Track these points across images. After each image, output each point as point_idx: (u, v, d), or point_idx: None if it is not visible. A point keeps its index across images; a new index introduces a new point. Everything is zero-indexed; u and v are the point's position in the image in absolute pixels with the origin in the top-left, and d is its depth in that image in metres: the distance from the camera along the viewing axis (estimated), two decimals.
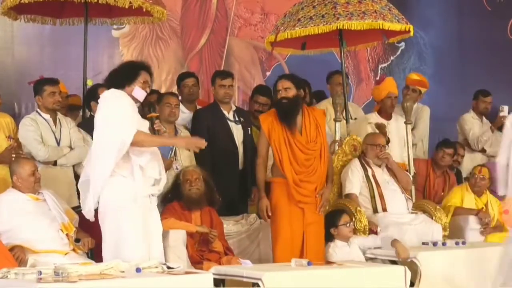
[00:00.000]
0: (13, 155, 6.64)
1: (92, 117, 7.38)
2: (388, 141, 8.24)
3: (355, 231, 7.28)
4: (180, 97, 8.06)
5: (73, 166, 7.23)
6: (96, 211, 5.81)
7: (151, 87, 6.31)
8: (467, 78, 11.45)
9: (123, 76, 5.86)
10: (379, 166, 7.86)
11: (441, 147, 9.01)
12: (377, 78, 10.24)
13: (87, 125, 7.33)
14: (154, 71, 6.12)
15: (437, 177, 9.08)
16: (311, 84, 8.61)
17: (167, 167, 7.10)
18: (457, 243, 7.33)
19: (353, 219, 7.32)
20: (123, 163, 5.68)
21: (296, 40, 8.07)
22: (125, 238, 5.65)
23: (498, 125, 9.68)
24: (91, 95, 7.49)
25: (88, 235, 6.31)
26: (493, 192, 8.92)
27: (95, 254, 6.30)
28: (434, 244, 7.23)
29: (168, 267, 5.51)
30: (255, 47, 10.66)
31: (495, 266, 7.06)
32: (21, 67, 9.13)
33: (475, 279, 6.99)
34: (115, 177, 5.69)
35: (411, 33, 8.06)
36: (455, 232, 7.99)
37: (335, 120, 8.06)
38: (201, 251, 6.79)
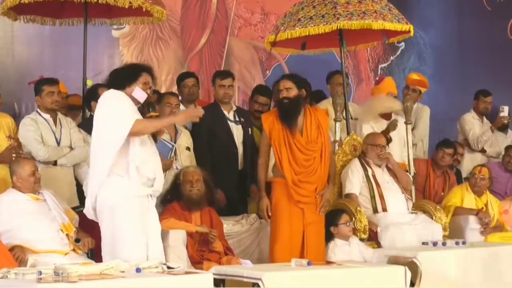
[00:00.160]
0: (13, 155, 6.64)
1: (92, 117, 7.39)
2: (390, 140, 8.24)
3: (355, 231, 7.28)
4: (180, 97, 8.06)
5: (73, 166, 7.23)
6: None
7: (153, 89, 6.30)
8: (467, 78, 11.46)
9: (124, 76, 5.86)
10: (379, 166, 7.86)
11: (441, 147, 9.01)
12: (377, 78, 10.23)
13: (87, 125, 7.33)
14: (154, 71, 6.11)
15: (437, 177, 9.08)
16: (311, 84, 8.61)
17: (167, 167, 7.12)
18: (457, 243, 7.32)
19: (353, 219, 7.32)
20: (120, 162, 5.68)
21: (296, 40, 8.07)
22: (122, 237, 5.65)
23: (498, 125, 9.69)
24: (92, 95, 7.49)
25: (88, 235, 6.31)
26: (493, 192, 8.94)
27: (95, 254, 6.29)
28: (434, 244, 7.23)
29: (168, 267, 5.51)
30: (255, 47, 10.66)
31: (495, 266, 7.11)
32: (21, 67, 9.14)
33: (475, 279, 6.99)
34: (112, 177, 5.69)
35: (411, 33, 8.05)
36: (455, 232, 7.99)
37: (335, 120, 8.06)
38: (201, 251, 6.79)
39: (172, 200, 6.91)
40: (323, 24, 7.68)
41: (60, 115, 7.26)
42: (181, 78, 8.54)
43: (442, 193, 8.94)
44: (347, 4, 7.77)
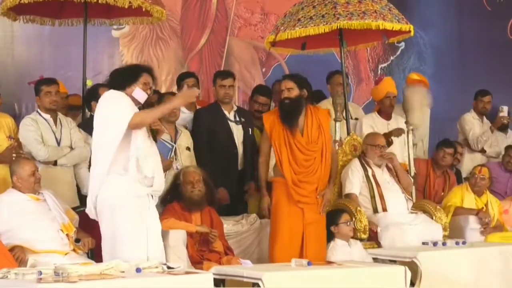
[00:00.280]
0: (14, 155, 6.64)
1: (92, 117, 7.39)
2: (390, 143, 8.26)
3: (355, 231, 7.28)
4: None
5: (74, 166, 7.23)
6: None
7: (153, 89, 6.30)
8: (467, 78, 11.46)
9: (124, 77, 5.86)
10: (379, 166, 7.87)
11: (442, 147, 9.01)
12: (376, 79, 10.24)
13: (87, 125, 7.33)
14: (154, 72, 6.11)
15: (437, 177, 9.08)
16: (311, 84, 8.61)
17: (167, 167, 7.12)
18: (457, 243, 7.32)
19: (353, 219, 7.33)
20: (120, 160, 5.67)
21: (296, 40, 8.07)
22: (122, 237, 5.65)
23: (497, 125, 9.69)
24: (92, 95, 7.49)
25: (88, 235, 6.31)
26: (493, 192, 8.94)
27: (95, 254, 6.29)
28: (434, 244, 7.23)
29: (168, 267, 5.51)
30: (255, 47, 10.66)
31: (495, 266, 7.11)
32: (21, 67, 9.14)
33: (475, 279, 6.99)
34: (112, 175, 5.69)
35: (412, 33, 8.05)
36: (455, 232, 7.99)
37: (335, 120, 8.05)
38: (201, 251, 6.79)
39: (172, 200, 6.90)
40: (323, 24, 7.68)
41: (60, 115, 7.27)
42: (181, 78, 8.54)
43: (442, 193, 8.94)
44: (347, 4, 7.77)
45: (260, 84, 9.80)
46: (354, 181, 7.74)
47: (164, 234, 6.07)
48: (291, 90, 7.09)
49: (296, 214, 7.02)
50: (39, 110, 7.17)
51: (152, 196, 5.87)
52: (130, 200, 5.68)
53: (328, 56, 9.32)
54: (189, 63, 10.22)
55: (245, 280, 5.84)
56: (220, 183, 7.49)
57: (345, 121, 8.26)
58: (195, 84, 8.41)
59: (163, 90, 9.25)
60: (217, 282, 5.96)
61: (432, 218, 7.82)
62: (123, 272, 5.31)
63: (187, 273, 5.57)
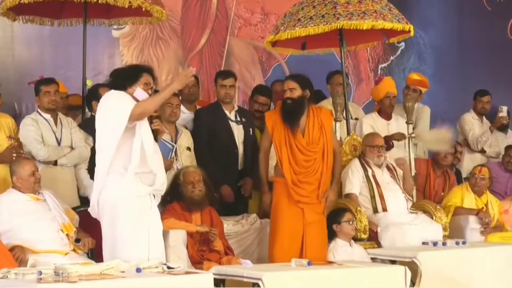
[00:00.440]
0: (14, 155, 6.64)
1: (92, 117, 7.39)
2: (391, 146, 8.27)
3: (356, 231, 7.28)
4: (180, 97, 8.05)
5: (74, 166, 7.23)
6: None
7: (154, 89, 6.29)
8: (467, 78, 11.45)
9: (124, 77, 5.85)
10: (379, 166, 7.87)
11: None
12: (376, 79, 10.24)
13: (87, 125, 7.33)
14: (154, 72, 6.10)
15: (437, 177, 9.08)
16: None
17: (168, 168, 7.11)
18: (457, 243, 7.32)
19: (353, 219, 7.33)
20: (121, 159, 5.67)
21: (296, 40, 8.07)
22: (122, 237, 5.65)
23: (497, 126, 9.69)
24: (93, 95, 7.50)
25: (88, 235, 6.31)
26: (493, 192, 8.94)
27: (96, 254, 6.30)
28: (434, 244, 7.23)
29: (168, 267, 5.50)
30: (255, 47, 10.66)
31: (495, 266, 7.10)
32: (22, 67, 9.14)
33: (475, 279, 6.99)
34: (113, 175, 5.68)
35: (412, 33, 8.05)
36: (455, 232, 7.99)
37: (335, 120, 8.05)
38: (201, 251, 6.79)
39: (172, 201, 6.90)
40: (323, 24, 7.68)
41: (61, 115, 7.27)
42: None
43: (442, 193, 8.94)
44: (347, 4, 7.77)
45: (260, 84, 9.80)
46: (354, 181, 7.74)
47: (164, 234, 6.07)
48: (293, 90, 7.10)
49: (296, 214, 7.02)
50: (39, 110, 7.18)
51: (154, 196, 5.86)
52: (131, 200, 5.67)
53: (328, 56, 9.32)
54: (189, 63, 10.22)
55: (245, 280, 5.85)
56: (220, 182, 7.49)
57: (345, 121, 8.26)
58: (194, 84, 8.42)
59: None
60: (217, 282, 5.96)
61: (432, 218, 7.82)
62: (123, 272, 5.31)
63: (187, 273, 5.56)
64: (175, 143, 7.53)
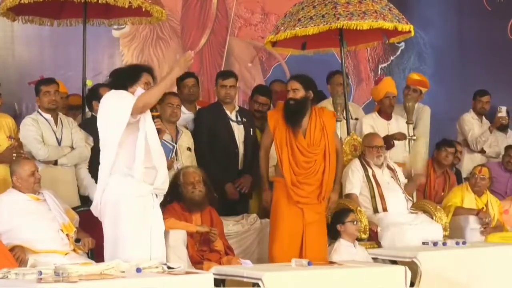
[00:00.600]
0: (14, 155, 6.64)
1: (93, 117, 7.40)
2: (392, 146, 8.27)
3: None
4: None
5: (74, 166, 7.23)
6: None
7: None
8: (467, 78, 11.45)
9: (125, 77, 5.84)
10: (379, 166, 7.88)
11: (444, 147, 9.00)
12: (376, 78, 10.24)
13: (87, 125, 7.34)
14: (154, 71, 6.10)
15: (438, 177, 9.08)
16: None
17: (168, 168, 7.08)
18: (457, 243, 7.32)
19: None
20: (124, 159, 5.66)
21: (297, 40, 8.07)
22: (124, 236, 5.63)
23: (496, 126, 9.69)
24: (93, 95, 7.50)
25: (89, 235, 6.31)
26: (493, 192, 8.94)
27: (96, 254, 6.30)
28: (435, 244, 7.23)
29: (169, 267, 5.50)
30: (255, 47, 10.66)
31: (495, 266, 7.10)
32: (22, 67, 9.14)
33: (475, 279, 6.99)
34: (115, 175, 5.67)
35: (412, 33, 8.05)
36: (455, 232, 7.99)
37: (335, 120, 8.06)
38: (201, 251, 6.79)
39: (172, 201, 6.90)
40: (323, 24, 7.68)
41: (61, 115, 7.27)
42: (180, 78, 8.48)
43: (442, 193, 8.94)
44: (347, 4, 7.77)
45: (260, 84, 9.80)
46: (354, 181, 7.75)
47: (165, 234, 6.05)
48: (296, 91, 7.10)
49: (295, 214, 7.03)
50: (39, 110, 7.17)
51: (156, 196, 5.85)
52: (133, 200, 5.66)
53: (328, 56, 9.33)
54: None
55: (245, 280, 5.84)
56: (221, 182, 7.50)
57: (345, 121, 8.26)
58: (194, 85, 8.42)
59: None
60: (217, 282, 5.96)
61: (432, 218, 7.83)
62: (123, 272, 5.30)
63: (187, 273, 5.56)
64: (176, 143, 7.53)
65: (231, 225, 7.35)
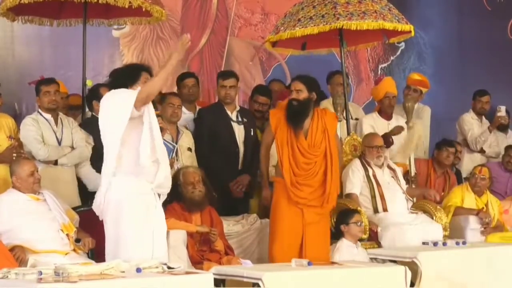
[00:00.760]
0: (14, 155, 6.64)
1: (93, 117, 7.40)
2: (391, 143, 8.27)
3: None
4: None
5: (75, 166, 7.23)
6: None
7: None
8: (467, 78, 11.45)
9: (124, 77, 5.84)
10: (380, 166, 7.88)
11: (445, 147, 8.99)
12: (376, 78, 10.24)
13: (87, 125, 7.34)
14: (153, 70, 6.09)
15: (438, 177, 9.08)
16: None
17: None
18: (457, 243, 7.32)
19: None
20: (127, 160, 5.66)
21: (296, 40, 8.07)
22: (126, 234, 5.63)
23: (495, 125, 9.69)
24: (93, 95, 7.49)
25: (89, 235, 6.31)
26: (493, 192, 8.94)
27: (96, 254, 6.30)
28: (435, 244, 7.23)
29: (169, 267, 5.50)
30: (256, 47, 10.66)
31: (495, 266, 7.10)
32: (22, 67, 9.14)
33: (475, 279, 6.99)
34: (120, 174, 5.67)
35: (412, 33, 8.05)
36: (455, 232, 7.99)
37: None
38: (201, 251, 6.80)
39: (172, 201, 6.90)
40: (323, 24, 7.68)
41: (61, 115, 7.28)
42: (180, 78, 8.54)
43: (443, 193, 8.94)
44: (347, 4, 7.77)
45: (260, 84, 9.80)
46: (355, 181, 7.75)
47: None
48: (299, 92, 7.09)
49: (295, 214, 7.02)
50: (40, 110, 7.18)
51: (159, 196, 5.84)
52: (136, 199, 5.65)
53: (328, 56, 9.32)
54: (189, 63, 10.22)
55: (245, 280, 5.84)
56: (221, 182, 7.50)
57: (345, 121, 8.27)
58: (194, 85, 8.42)
59: (164, 90, 9.23)
60: (217, 282, 5.96)
61: (432, 218, 7.83)
62: (123, 272, 5.30)
63: (187, 273, 5.56)
64: (176, 143, 7.53)
65: (231, 225, 7.36)
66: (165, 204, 6.79)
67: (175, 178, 6.99)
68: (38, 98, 7.15)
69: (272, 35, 8.08)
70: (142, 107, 5.61)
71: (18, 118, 7.63)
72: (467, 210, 8.34)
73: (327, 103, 8.73)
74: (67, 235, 6.24)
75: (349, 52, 9.66)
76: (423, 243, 7.34)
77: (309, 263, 6.11)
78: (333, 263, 6.61)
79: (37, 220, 6.21)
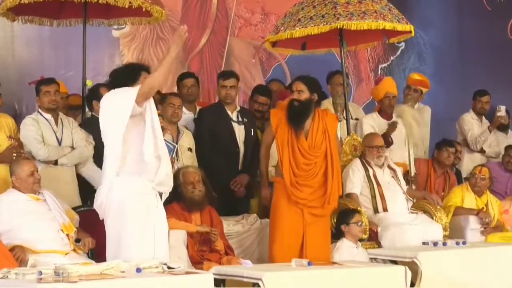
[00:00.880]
0: (14, 155, 6.64)
1: (93, 117, 7.40)
2: (391, 143, 8.27)
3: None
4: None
5: (76, 165, 7.23)
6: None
7: None
8: (467, 78, 11.45)
9: (125, 76, 5.84)
10: (380, 166, 7.88)
11: (445, 147, 9.00)
12: (376, 78, 10.24)
13: (87, 125, 7.34)
14: (152, 70, 6.08)
15: (438, 177, 9.08)
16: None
17: None
18: (457, 243, 7.32)
19: None
20: (128, 160, 5.65)
21: (297, 40, 8.07)
22: (127, 234, 5.63)
23: (495, 125, 9.69)
24: (93, 95, 7.49)
25: (89, 235, 6.31)
26: (493, 192, 8.94)
27: (96, 254, 6.30)
28: (435, 244, 7.23)
29: (169, 267, 5.50)
30: (256, 47, 10.66)
31: (495, 266, 7.10)
32: (22, 67, 9.14)
33: (475, 279, 6.99)
34: (123, 174, 5.66)
35: (412, 33, 8.05)
36: (455, 232, 7.99)
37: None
38: (201, 251, 6.80)
39: (172, 201, 6.90)
40: (323, 24, 7.68)
41: (61, 115, 7.27)
42: (180, 78, 8.54)
43: (443, 193, 8.94)
44: (347, 4, 7.77)
45: (260, 84, 9.80)
46: (355, 180, 7.75)
47: None
48: (301, 92, 7.09)
49: (296, 214, 7.02)
50: (40, 110, 7.18)
51: (161, 196, 5.84)
52: (138, 199, 5.65)
53: (328, 56, 9.32)
54: (189, 63, 10.22)
55: (245, 280, 5.84)
56: (221, 182, 7.50)
57: (345, 121, 8.27)
58: (194, 84, 8.42)
59: (163, 90, 9.24)
60: (217, 282, 5.96)
61: (432, 218, 7.83)
62: (123, 272, 5.30)
63: (187, 273, 5.56)
64: (176, 143, 7.53)
65: (231, 225, 7.36)
66: (165, 204, 6.81)
67: (175, 178, 6.98)
68: (38, 98, 7.15)
69: (272, 35, 8.08)
70: (143, 102, 5.61)
71: (18, 118, 7.63)
72: (467, 210, 8.34)
73: (327, 103, 8.73)
74: (67, 235, 6.24)
75: (349, 52, 9.66)
76: (423, 243, 7.34)
77: (309, 263, 6.11)
78: (333, 263, 6.61)
79: (37, 220, 6.21)
